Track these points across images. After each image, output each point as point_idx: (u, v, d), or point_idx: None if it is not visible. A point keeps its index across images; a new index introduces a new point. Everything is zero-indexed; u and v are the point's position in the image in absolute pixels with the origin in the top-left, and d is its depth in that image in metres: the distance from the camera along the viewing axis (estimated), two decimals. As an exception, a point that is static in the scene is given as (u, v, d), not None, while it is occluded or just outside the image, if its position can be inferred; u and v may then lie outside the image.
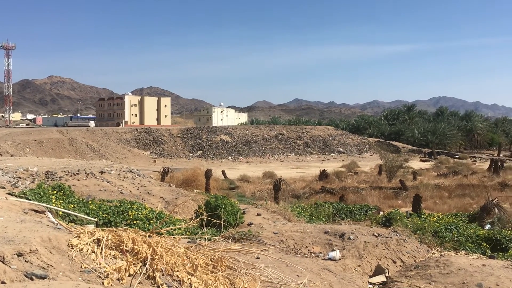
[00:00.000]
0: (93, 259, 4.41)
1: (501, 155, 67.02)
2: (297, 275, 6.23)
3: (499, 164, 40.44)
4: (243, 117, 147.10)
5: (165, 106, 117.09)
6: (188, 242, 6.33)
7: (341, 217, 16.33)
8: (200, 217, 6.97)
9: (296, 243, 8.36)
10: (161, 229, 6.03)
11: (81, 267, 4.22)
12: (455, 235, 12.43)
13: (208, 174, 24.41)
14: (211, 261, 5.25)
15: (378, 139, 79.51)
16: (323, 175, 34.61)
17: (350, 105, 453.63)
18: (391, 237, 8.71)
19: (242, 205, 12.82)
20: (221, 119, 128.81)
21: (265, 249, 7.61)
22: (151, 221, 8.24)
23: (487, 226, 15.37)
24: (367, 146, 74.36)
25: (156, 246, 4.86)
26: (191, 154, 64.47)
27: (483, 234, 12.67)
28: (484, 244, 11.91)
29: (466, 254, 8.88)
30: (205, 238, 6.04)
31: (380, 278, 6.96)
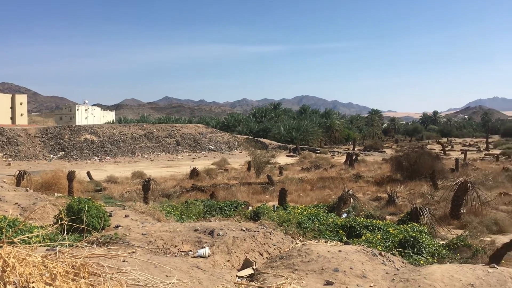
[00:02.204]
0: None
1: (355, 149, 73.55)
2: (166, 275, 6.16)
3: (353, 157, 44.42)
4: (110, 116, 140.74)
5: (21, 103, 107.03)
6: (47, 250, 5.89)
7: (212, 214, 16.52)
8: (60, 222, 6.52)
9: (165, 243, 8.24)
10: (15, 238, 5.51)
11: None
12: (317, 225, 13.36)
13: (71, 176, 22.93)
14: (73, 268, 4.93)
15: (247, 137, 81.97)
16: (194, 173, 34.67)
17: (220, 103, 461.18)
18: (258, 231, 9.04)
19: (109, 207, 12.28)
20: (86, 118, 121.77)
21: (133, 252, 7.38)
22: (3, 230, 7.48)
23: (344, 215, 16.75)
24: (236, 143, 76.21)
25: (7, 257, 4.42)
26: (52, 156, 59.88)
27: (341, 222, 13.82)
28: (341, 231, 13.00)
29: (325, 242, 9.58)
30: (66, 245, 5.68)
31: (248, 271, 7.19)
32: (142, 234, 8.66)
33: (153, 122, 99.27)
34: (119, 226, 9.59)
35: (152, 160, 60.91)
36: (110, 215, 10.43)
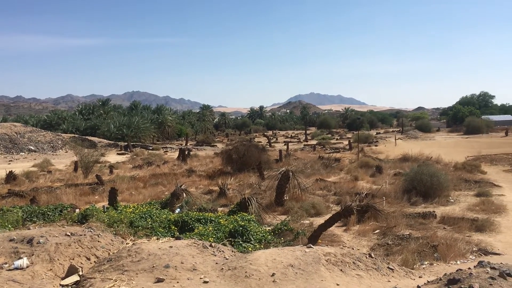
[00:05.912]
0: None
1: (188, 144, 74.31)
2: (-26, 295, 5.45)
3: (186, 153, 44.86)
4: None
5: None
6: None
7: (33, 220, 15.09)
8: None
9: (-27, 259, 7.26)
10: None
11: None
12: (149, 223, 13.15)
13: None
14: None
15: (73, 135, 76.52)
16: (11, 177, 31.13)
17: (42, 100, 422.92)
18: (85, 234, 8.54)
19: None
20: None
21: None
22: None
23: (177, 210, 16.79)
24: (61, 143, 70.64)
25: None
26: None
27: (173, 217, 13.82)
28: (173, 227, 13.02)
29: (157, 239, 9.50)
30: None
31: (73, 278, 6.74)
32: None
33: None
34: None
35: (-43, 165, 52.94)
36: None
